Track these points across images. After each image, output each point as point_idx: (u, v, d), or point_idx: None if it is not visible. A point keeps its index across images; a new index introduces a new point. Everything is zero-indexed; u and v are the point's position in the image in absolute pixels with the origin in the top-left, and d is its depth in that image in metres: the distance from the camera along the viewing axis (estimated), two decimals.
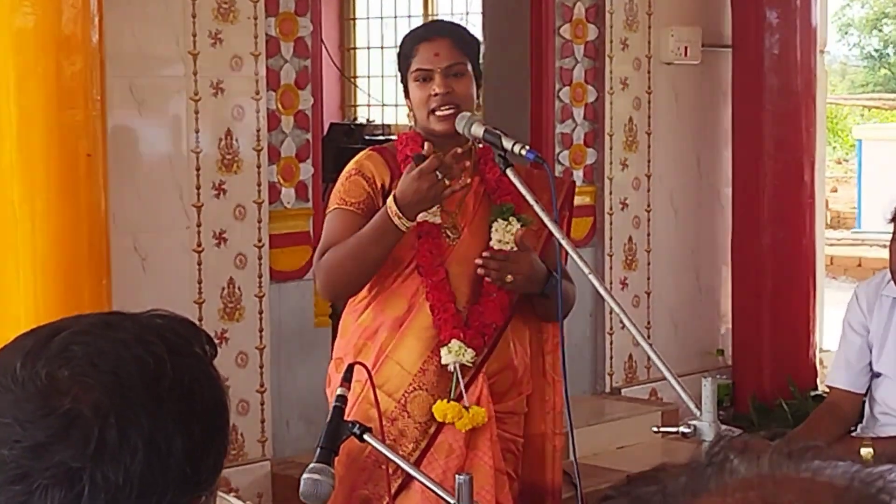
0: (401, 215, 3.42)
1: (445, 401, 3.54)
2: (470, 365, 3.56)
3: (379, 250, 3.49)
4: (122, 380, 1.31)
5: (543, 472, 3.80)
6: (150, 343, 1.36)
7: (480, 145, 3.68)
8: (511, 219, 3.62)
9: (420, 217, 3.49)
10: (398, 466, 3.04)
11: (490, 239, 3.61)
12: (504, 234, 3.61)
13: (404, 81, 3.66)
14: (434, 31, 3.72)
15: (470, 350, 3.55)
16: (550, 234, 3.44)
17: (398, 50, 3.74)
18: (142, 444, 1.29)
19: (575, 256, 3.21)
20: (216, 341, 1.49)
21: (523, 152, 3.43)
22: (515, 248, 3.59)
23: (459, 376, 3.55)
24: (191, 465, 1.34)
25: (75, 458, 1.27)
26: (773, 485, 0.85)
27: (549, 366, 3.77)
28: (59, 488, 1.26)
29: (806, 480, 0.85)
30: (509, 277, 3.52)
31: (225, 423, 1.42)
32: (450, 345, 3.54)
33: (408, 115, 3.73)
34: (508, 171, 3.43)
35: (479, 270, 3.54)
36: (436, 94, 3.56)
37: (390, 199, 3.44)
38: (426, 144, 3.46)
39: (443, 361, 3.55)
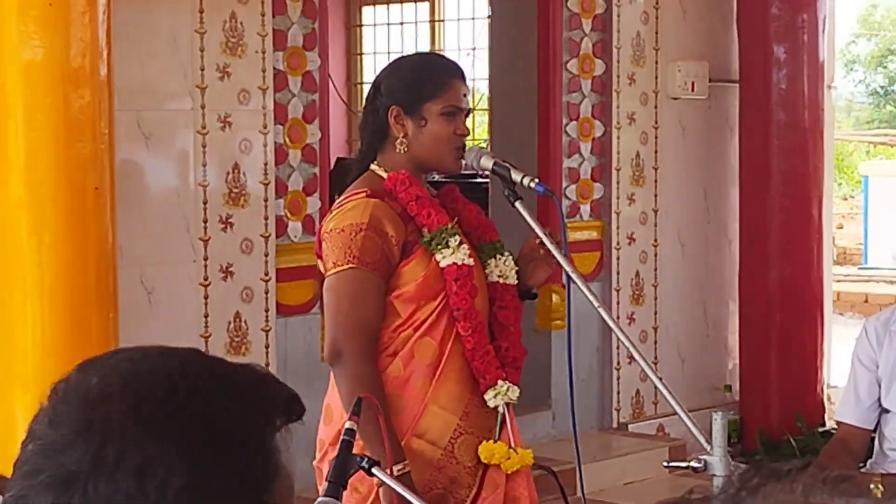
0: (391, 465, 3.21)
1: (491, 441, 3.48)
2: (515, 402, 3.53)
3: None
4: (139, 395, 1.31)
5: None
6: (178, 366, 1.35)
7: (436, 187, 3.66)
8: (505, 253, 3.60)
9: (451, 259, 3.44)
10: None
11: (487, 276, 3.57)
12: (503, 269, 3.58)
13: (417, 108, 3.49)
14: (461, 72, 3.62)
15: (514, 387, 3.51)
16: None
17: (415, 73, 3.56)
18: (136, 465, 1.27)
19: (584, 290, 3.20)
20: None
21: (532, 185, 3.42)
22: (517, 281, 3.59)
23: (507, 416, 3.51)
24: (190, 499, 1.31)
25: (75, 464, 1.28)
26: None
27: None
28: (55, 490, 1.27)
29: None
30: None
31: (249, 472, 1.39)
32: (496, 386, 3.48)
33: (399, 143, 3.50)
34: (518, 205, 3.41)
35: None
36: (461, 134, 3.51)
37: (398, 465, 3.26)
38: None
39: (491, 404, 3.48)
